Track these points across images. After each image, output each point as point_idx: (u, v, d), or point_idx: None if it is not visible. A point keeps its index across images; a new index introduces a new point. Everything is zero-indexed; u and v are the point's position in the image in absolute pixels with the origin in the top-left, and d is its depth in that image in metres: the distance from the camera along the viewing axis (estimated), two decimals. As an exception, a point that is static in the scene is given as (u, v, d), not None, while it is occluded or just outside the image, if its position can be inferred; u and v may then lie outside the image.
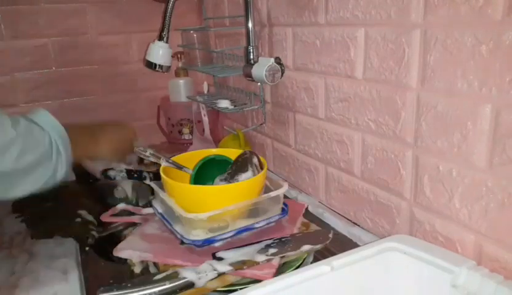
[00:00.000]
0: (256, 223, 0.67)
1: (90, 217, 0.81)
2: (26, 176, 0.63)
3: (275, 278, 0.51)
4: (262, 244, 0.62)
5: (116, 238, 0.74)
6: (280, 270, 0.60)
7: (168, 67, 0.97)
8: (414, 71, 0.60)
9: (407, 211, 0.66)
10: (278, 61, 0.90)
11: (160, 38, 0.93)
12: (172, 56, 0.99)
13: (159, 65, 0.95)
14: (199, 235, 0.62)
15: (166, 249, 0.64)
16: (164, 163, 0.72)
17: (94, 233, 0.77)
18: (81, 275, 0.66)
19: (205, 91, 1.18)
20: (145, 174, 0.91)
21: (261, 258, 0.58)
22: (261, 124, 1.05)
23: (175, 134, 1.30)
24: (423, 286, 0.54)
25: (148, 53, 0.95)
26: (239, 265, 0.57)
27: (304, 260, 0.64)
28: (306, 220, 0.76)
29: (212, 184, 0.72)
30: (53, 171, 0.66)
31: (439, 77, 0.56)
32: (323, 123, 0.82)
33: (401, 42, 0.61)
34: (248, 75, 0.91)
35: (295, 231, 0.70)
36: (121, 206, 0.81)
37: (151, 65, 0.95)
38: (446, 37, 0.54)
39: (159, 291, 0.54)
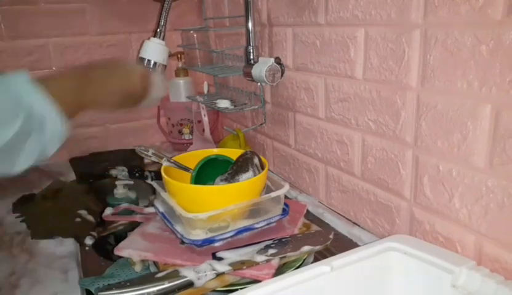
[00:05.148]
0: (257, 223, 0.66)
1: (90, 217, 0.81)
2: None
3: (275, 278, 0.51)
4: (262, 245, 0.62)
5: (116, 237, 0.75)
6: (280, 270, 0.60)
7: (164, 67, 0.86)
8: (414, 71, 0.60)
9: (407, 211, 0.66)
10: (278, 61, 0.90)
11: (156, 35, 0.85)
12: (172, 56, 0.94)
13: (154, 62, 0.84)
14: (198, 234, 0.62)
15: (166, 249, 0.64)
16: (165, 163, 0.72)
17: (94, 233, 0.77)
18: (81, 275, 0.66)
19: (205, 91, 1.18)
20: (147, 173, 0.91)
21: (260, 258, 0.58)
22: (261, 124, 1.05)
23: (175, 134, 1.29)
24: (423, 286, 0.54)
25: (142, 50, 0.86)
26: (238, 265, 0.57)
27: (304, 260, 0.64)
28: (307, 221, 0.75)
29: (213, 184, 0.72)
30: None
31: (439, 77, 0.56)
32: (323, 123, 0.82)
33: (401, 42, 0.61)
34: (248, 75, 0.91)
35: (296, 231, 0.70)
36: (124, 205, 0.81)
37: (143, 62, 0.84)
38: (446, 37, 0.54)
39: (158, 290, 0.54)
